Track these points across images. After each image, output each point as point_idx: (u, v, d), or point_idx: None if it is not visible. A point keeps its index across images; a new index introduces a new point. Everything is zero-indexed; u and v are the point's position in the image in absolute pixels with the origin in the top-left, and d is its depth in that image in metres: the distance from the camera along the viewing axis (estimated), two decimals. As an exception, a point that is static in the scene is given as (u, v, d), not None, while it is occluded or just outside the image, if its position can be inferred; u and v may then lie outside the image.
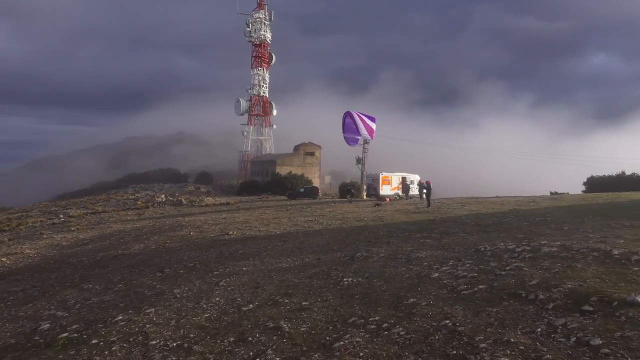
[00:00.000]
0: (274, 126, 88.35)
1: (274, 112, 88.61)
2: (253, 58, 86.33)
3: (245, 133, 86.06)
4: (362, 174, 68.47)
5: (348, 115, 35.38)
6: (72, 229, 32.44)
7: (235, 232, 18.90)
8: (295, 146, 74.83)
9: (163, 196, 56.53)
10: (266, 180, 63.31)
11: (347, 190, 41.05)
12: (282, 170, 65.29)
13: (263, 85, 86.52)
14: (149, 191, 67.09)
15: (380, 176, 40.62)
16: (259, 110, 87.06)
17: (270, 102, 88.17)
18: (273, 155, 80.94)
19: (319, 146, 74.44)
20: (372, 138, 35.97)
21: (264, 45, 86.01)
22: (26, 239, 30.48)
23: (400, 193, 41.18)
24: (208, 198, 52.23)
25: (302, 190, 49.82)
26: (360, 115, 35.91)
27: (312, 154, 72.73)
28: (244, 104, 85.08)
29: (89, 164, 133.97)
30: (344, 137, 36.28)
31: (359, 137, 35.08)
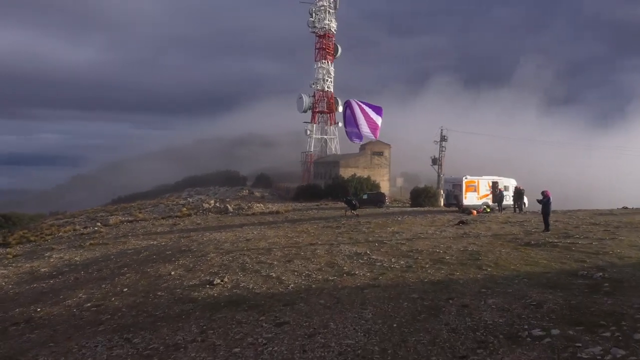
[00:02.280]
0: (340, 124, 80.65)
1: (340, 109, 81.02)
2: (317, 50, 79.37)
3: (308, 132, 79.23)
4: (438, 177, 59.12)
5: (347, 105, 26.78)
6: (87, 243, 26.99)
7: (226, 280, 11.48)
8: (362, 145, 66.60)
9: (212, 201, 51.09)
10: (327, 184, 55.87)
11: (348, 202, 29.23)
12: (346, 173, 57.56)
13: (327, 80, 79.25)
14: (203, 195, 62.29)
15: (464, 181, 31.53)
16: (323, 106, 79.88)
17: (335, 97, 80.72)
18: (337, 155, 73.41)
19: (389, 145, 65.76)
20: (375, 137, 26.52)
21: (328, 36, 78.74)
22: (25, 258, 25.25)
23: (491, 203, 31.84)
24: (258, 205, 45.73)
25: (364, 196, 41.70)
26: (362, 105, 25.46)
27: (380, 153, 64.25)
28: (306, 101, 78.30)
29: (158, 167, 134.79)
30: (346, 131, 27.16)
31: (361, 133, 25.47)
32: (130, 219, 43.67)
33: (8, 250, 30.10)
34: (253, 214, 39.66)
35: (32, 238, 35.53)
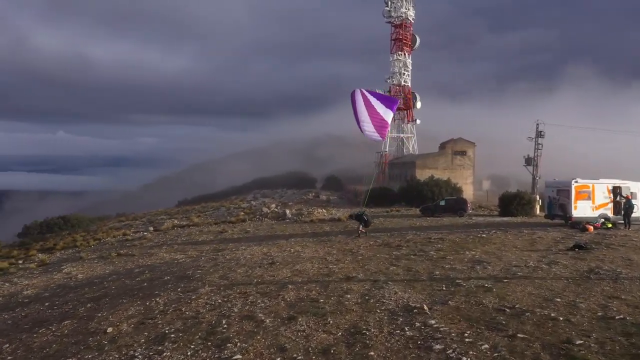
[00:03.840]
0: (418, 121, 73.79)
1: (418, 105, 74.08)
2: (392, 42, 73.14)
3: (383, 130, 73.05)
4: (533, 180, 50.46)
5: (352, 97, 17.39)
6: (114, 254, 23.69)
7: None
8: (442, 144, 59.39)
9: (273, 206, 47.03)
10: (401, 187, 49.60)
11: (358, 217, 22.46)
12: (423, 174, 50.91)
13: (404, 73, 72.70)
14: (268, 198, 58.70)
15: (573, 185, 24.06)
16: (399, 102, 73.36)
17: (413, 92, 73.94)
18: (413, 155, 66.64)
19: (473, 143, 57.84)
20: (382, 138, 17.35)
21: (405, 26, 72.19)
22: (41, 270, 22.25)
23: (611, 215, 24.14)
24: (319, 211, 40.84)
25: (441, 202, 35.11)
26: (369, 97, 17.41)
27: (462, 153, 56.57)
28: (381, 96, 72.23)
29: (236, 168, 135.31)
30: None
31: (364, 132, 17.00)
32: (184, 223, 40.90)
33: (42, 257, 27.80)
34: (311, 220, 34.84)
35: (78, 243, 33.47)
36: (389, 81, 73.05)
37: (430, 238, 19.52)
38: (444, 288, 9.84)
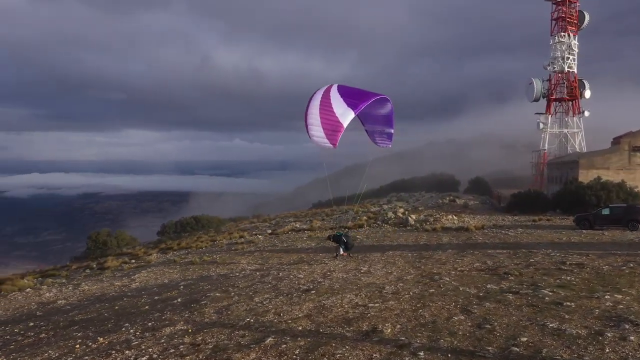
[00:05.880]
0: (586, 113, 61.77)
1: (587, 94, 62.04)
2: (554, 21, 62.46)
3: (541, 125, 62.82)
4: None
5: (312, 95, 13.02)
6: (202, 259, 22.53)
7: None
8: (615, 138, 47.92)
9: (401, 210, 42.59)
10: (558, 192, 40.88)
11: (336, 238, 18.30)
12: (588, 176, 41.33)
13: (569, 58, 61.45)
14: (402, 201, 54.33)
15: None
16: (562, 92, 62.38)
17: (580, 80, 62.21)
18: (577, 154, 55.60)
19: (661, 136, 45.37)
20: (334, 145, 10.52)
21: (570, 1, 60.99)
22: (116, 274, 21.70)
23: None
24: (448, 217, 35.44)
25: (604, 211, 26.87)
26: (332, 94, 12.23)
27: (645, 149, 44.66)
28: (538, 86, 62.16)
29: (383, 169, 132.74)
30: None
31: (310, 135, 10.94)
32: (303, 227, 39.34)
33: (149, 258, 28.15)
34: (433, 229, 30.00)
35: (193, 244, 33.80)
36: (549, 68, 62.55)
37: (565, 263, 13.79)
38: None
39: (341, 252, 18.04)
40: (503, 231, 26.66)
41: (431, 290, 10.25)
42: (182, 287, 13.45)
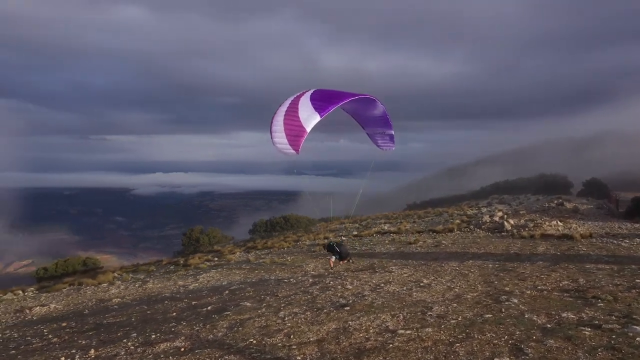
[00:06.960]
0: None
1: None
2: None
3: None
4: None
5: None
6: (272, 261, 22.36)
7: None
8: None
9: (500, 213, 38.82)
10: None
11: (330, 248, 16.75)
12: None
13: None
14: (504, 204, 49.96)
15: None
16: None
17: None
18: None
19: None
20: (296, 151, 10.55)
21: None
22: (188, 274, 21.88)
23: None
24: (552, 223, 31.49)
25: None
26: (303, 99, 10.49)
27: None
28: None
29: (488, 170, 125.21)
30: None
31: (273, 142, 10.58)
32: (391, 229, 37.78)
33: (230, 257, 28.53)
34: (531, 236, 26.76)
35: (277, 244, 33.90)
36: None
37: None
38: None
39: (333, 259, 16.75)
40: (615, 241, 22.71)
41: (487, 316, 8.42)
42: (226, 292, 12.91)
